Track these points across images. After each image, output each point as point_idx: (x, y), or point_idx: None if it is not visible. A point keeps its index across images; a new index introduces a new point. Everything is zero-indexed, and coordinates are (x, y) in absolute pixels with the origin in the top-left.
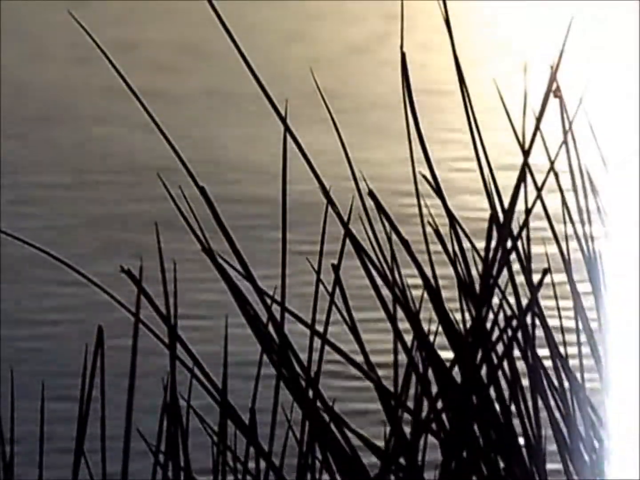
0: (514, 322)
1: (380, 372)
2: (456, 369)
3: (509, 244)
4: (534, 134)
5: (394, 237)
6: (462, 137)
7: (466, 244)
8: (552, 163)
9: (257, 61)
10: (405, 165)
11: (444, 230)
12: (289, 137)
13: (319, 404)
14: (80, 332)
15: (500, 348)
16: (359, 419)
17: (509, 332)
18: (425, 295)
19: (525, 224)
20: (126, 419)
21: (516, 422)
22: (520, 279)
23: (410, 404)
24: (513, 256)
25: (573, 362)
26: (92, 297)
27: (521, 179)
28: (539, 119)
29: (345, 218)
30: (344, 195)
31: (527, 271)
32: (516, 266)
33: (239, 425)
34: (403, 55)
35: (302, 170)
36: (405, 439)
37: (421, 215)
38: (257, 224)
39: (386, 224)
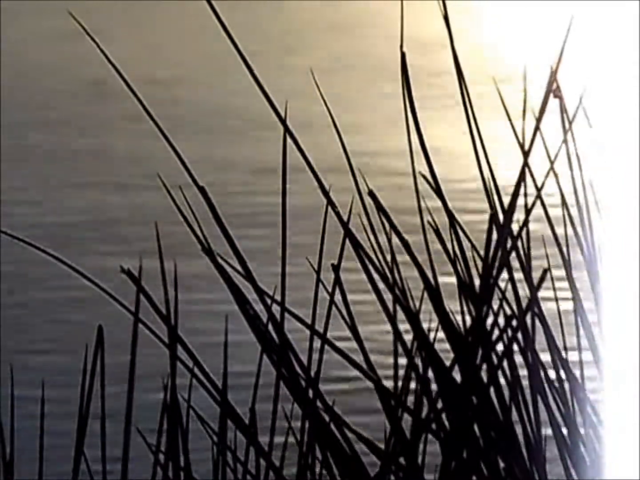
0: (514, 322)
1: (380, 372)
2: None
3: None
4: (534, 134)
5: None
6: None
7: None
8: (552, 163)
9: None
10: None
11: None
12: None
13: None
14: (80, 332)
15: (500, 348)
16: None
17: (509, 332)
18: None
19: (525, 223)
20: (126, 419)
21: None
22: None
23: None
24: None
25: (573, 362)
26: (92, 297)
27: (521, 179)
28: (539, 119)
29: (345, 218)
30: (344, 195)
31: (526, 271)
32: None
33: (239, 425)
34: (403, 55)
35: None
36: (405, 439)
37: (421, 215)
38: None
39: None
